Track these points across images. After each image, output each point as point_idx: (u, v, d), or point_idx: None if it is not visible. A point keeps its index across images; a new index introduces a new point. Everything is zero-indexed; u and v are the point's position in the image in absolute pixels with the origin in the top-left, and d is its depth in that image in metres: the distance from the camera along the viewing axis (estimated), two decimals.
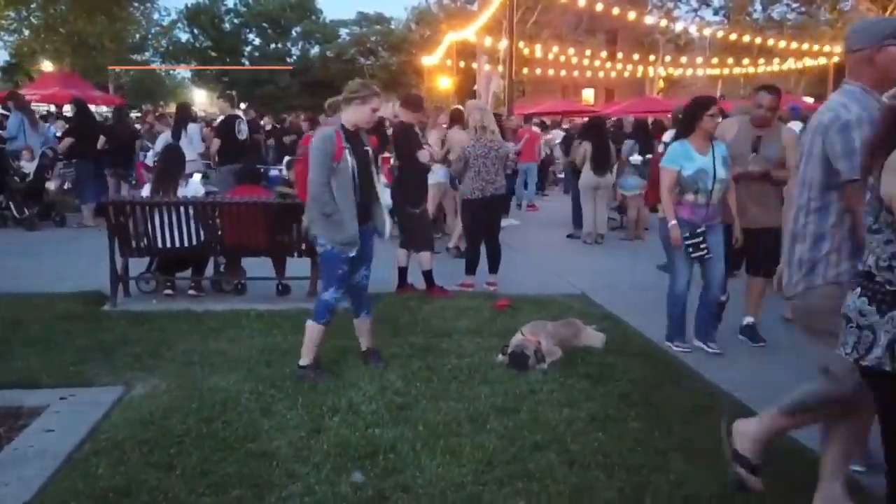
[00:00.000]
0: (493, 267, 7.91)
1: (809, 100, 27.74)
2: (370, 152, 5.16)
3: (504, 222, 9.21)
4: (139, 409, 4.48)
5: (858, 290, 2.42)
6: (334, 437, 4.09)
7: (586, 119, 14.22)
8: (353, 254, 4.92)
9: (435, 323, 6.20)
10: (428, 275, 7.47)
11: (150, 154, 12.95)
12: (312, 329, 5.05)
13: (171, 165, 7.60)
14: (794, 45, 30.29)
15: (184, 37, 56.29)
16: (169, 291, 7.41)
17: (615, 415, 4.48)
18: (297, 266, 7.44)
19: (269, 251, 7.32)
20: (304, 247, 7.13)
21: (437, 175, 9.28)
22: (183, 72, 59.70)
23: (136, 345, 5.71)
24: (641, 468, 3.79)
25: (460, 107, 11.11)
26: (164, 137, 11.76)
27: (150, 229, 6.99)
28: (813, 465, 3.47)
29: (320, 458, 3.86)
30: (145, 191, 7.58)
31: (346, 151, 4.84)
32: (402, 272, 7.54)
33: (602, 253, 10.71)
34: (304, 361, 5.05)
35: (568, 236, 11.91)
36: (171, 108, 25.88)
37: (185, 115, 12.10)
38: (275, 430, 4.21)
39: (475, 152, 7.59)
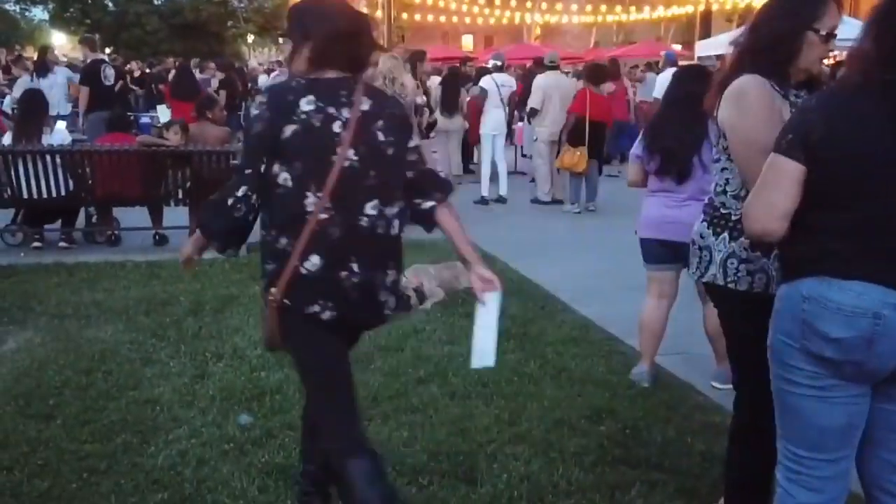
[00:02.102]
0: None
1: (678, 47, 28.80)
2: None
3: None
4: (12, 363, 4.37)
5: (702, 216, 2.69)
6: (219, 382, 4.13)
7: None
8: None
9: None
10: None
11: (6, 100, 12.16)
12: None
13: (34, 111, 7.22)
14: None
15: None
16: (37, 244, 7.10)
17: None
18: (176, 215, 7.28)
19: (143, 200, 7.11)
20: (180, 195, 6.98)
21: None
22: (40, 14, 55.60)
23: (4, 299, 5.49)
24: (518, 396, 4.03)
25: (420, 49, 10.61)
26: (23, 82, 11.06)
27: (13, 179, 6.65)
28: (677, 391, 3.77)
29: (206, 402, 3.90)
30: (6, 139, 7.18)
31: None
32: None
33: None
34: None
35: None
36: (28, 53, 24.22)
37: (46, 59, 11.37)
38: (158, 378, 4.19)
39: None
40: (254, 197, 2.41)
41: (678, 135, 3.96)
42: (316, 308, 2.40)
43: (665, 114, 4.18)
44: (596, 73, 9.98)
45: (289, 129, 2.35)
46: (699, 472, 3.28)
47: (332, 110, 2.39)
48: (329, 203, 2.37)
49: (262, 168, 2.38)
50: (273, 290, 2.38)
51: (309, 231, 2.35)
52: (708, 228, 2.64)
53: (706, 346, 4.26)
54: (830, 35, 2.45)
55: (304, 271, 2.36)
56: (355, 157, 2.40)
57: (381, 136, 2.47)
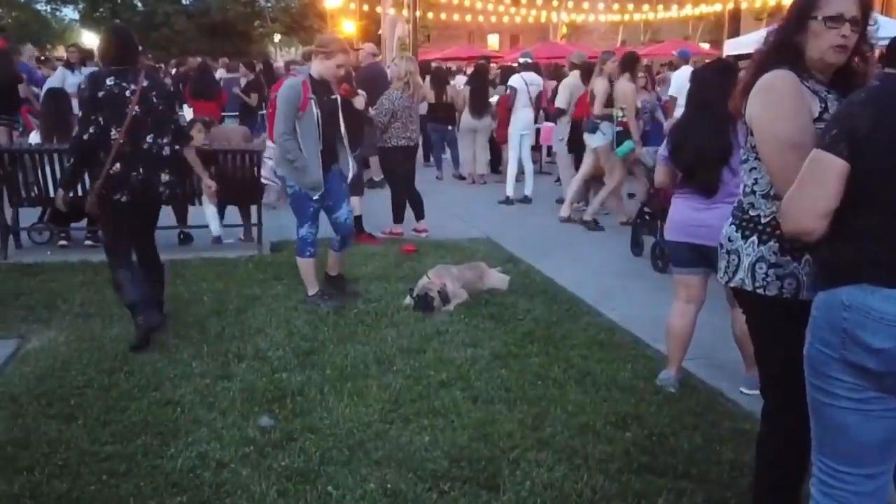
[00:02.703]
0: (420, 213, 7.96)
1: (706, 45, 28.55)
2: (338, 100, 5.54)
3: None
4: (35, 362, 4.37)
5: (731, 218, 2.61)
6: (241, 384, 4.10)
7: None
8: (316, 196, 5.31)
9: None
10: (357, 220, 7.53)
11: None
12: (302, 264, 5.52)
13: (59, 111, 7.25)
14: None
15: None
16: (64, 242, 7.14)
17: (517, 352, 4.64)
18: (200, 214, 7.29)
19: (167, 200, 7.10)
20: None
21: (604, 137, 8.39)
22: (71, 13, 56.31)
23: (30, 297, 5.52)
24: (541, 400, 3.96)
25: (634, 51, 10.36)
26: (50, 82, 11.14)
27: (40, 178, 6.69)
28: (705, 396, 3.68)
29: (227, 403, 3.87)
30: (34, 137, 7.23)
31: (312, 101, 5.19)
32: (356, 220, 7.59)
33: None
34: (310, 292, 5.53)
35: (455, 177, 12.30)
36: (59, 52, 24.48)
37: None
38: (179, 379, 4.18)
39: (404, 104, 7.53)
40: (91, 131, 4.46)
41: (704, 141, 3.88)
42: (118, 195, 4.50)
43: (692, 116, 4.09)
44: (589, 71, 9.59)
45: (100, 93, 4.43)
46: (728, 482, 3.20)
47: (124, 84, 4.47)
48: (125, 135, 4.46)
49: (92, 117, 4.45)
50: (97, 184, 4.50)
51: (113, 151, 4.44)
52: (736, 231, 2.56)
53: (735, 351, 4.16)
54: (832, 18, 2.34)
55: (112, 173, 4.46)
56: (139, 110, 4.48)
57: (154, 99, 4.58)
